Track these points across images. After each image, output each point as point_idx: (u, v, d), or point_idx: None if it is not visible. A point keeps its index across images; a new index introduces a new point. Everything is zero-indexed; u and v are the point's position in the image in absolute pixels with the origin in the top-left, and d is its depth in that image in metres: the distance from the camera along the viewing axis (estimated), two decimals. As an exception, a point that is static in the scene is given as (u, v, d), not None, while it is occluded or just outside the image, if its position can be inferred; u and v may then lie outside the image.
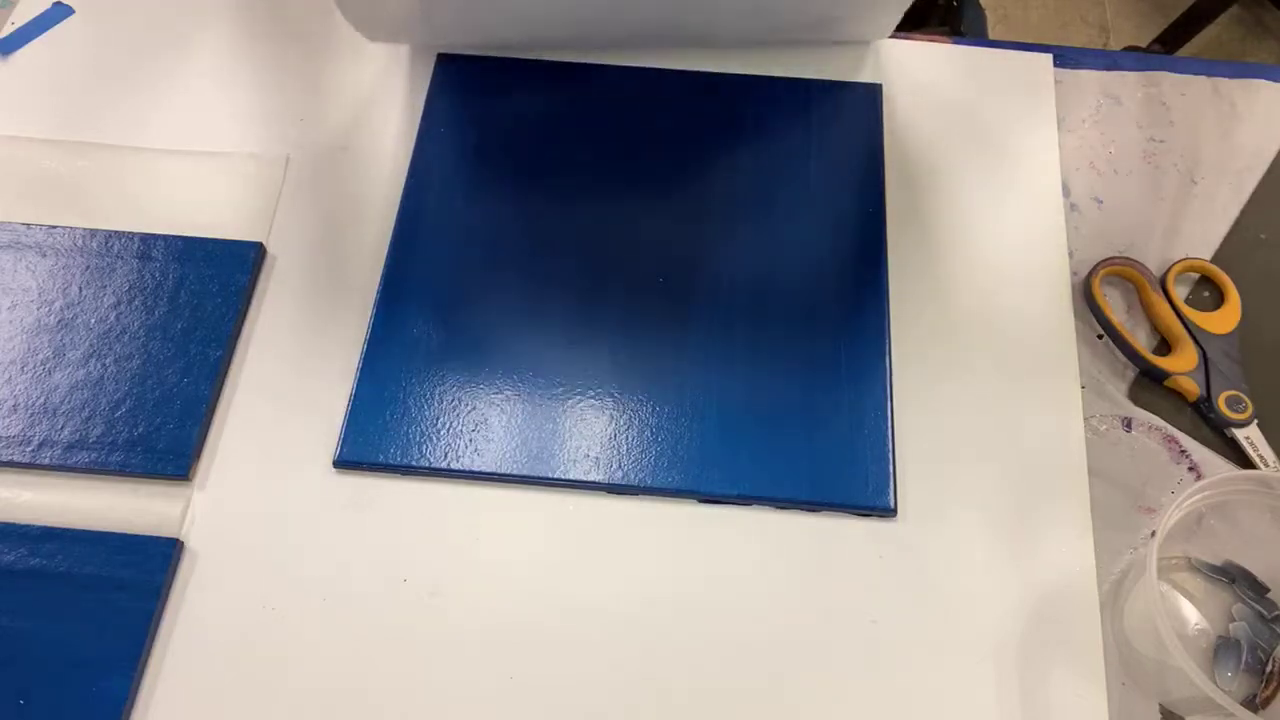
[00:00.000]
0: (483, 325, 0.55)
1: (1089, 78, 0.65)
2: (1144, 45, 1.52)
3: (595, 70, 0.64)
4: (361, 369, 0.54)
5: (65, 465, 0.51)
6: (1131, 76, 0.65)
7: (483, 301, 0.56)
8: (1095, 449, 0.53)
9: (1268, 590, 0.49)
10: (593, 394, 0.53)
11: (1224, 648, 0.48)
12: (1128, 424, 0.54)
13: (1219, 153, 0.62)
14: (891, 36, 0.66)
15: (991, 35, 0.84)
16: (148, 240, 0.57)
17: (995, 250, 0.58)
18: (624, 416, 0.53)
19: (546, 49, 0.64)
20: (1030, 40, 0.68)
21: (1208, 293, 0.58)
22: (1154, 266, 0.58)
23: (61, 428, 0.52)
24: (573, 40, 0.62)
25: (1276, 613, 0.48)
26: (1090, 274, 0.57)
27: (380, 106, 0.63)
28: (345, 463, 0.52)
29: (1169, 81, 0.65)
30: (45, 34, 0.66)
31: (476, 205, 0.59)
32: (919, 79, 0.64)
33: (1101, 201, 0.60)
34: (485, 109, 0.62)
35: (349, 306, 0.56)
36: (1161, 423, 0.54)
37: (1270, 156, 0.62)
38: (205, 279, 0.56)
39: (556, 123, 0.62)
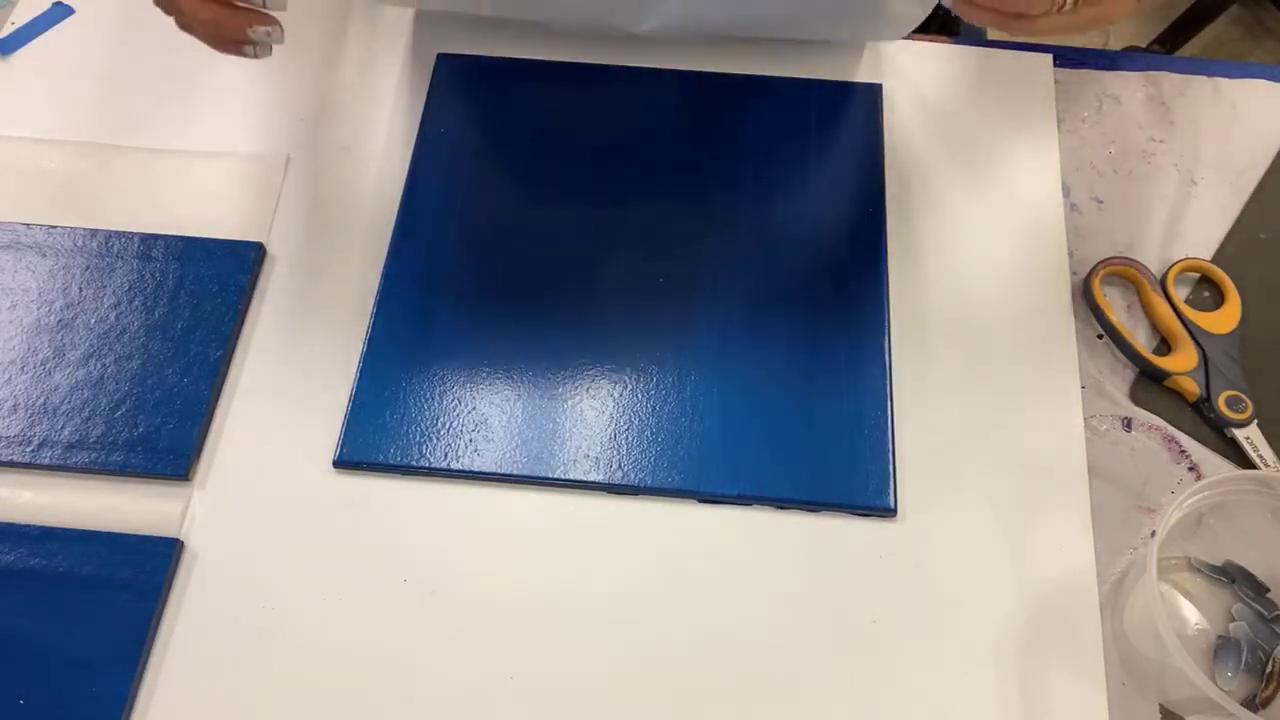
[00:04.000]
0: (483, 325, 0.55)
1: (1089, 78, 0.65)
2: (1144, 45, 1.52)
3: (595, 70, 0.64)
4: (361, 369, 0.54)
5: (65, 465, 0.51)
6: (1131, 76, 0.65)
7: (483, 301, 0.56)
8: (1095, 449, 0.53)
9: (1268, 590, 0.49)
10: (593, 394, 0.53)
11: (1224, 648, 0.48)
12: (1128, 424, 0.54)
13: (1219, 153, 0.62)
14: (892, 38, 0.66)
15: (991, 35, 0.84)
16: (148, 240, 0.57)
17: (995, 250, 0.58)
18: (624, 416, 0.53)
19: (553, 37, 0.62)
20: (1030, 40, 0.67)
21: (1208, 293, 0.58)
22: (1154, 266, 0.58)
23: (61, 428, 0.52)
24: (582, 26, 0.61)
25: (1276, 613, 0.48)
26: (1090, 274, 0.57)
27: (381, 106, 0.63)
28: (345, 463, 0.52)
29: (1169, 81, 0.65)
30: (45, 34, 0.66)
31: (477, 205, 0.59)
32: (919, 79, 0.64)
33: (1101, 201, 0.60)
34: (485, 109, 0.62)
35: (349, 306, 0.56)
36: (1161, 423, 0.54)
37: (1270, 156, 0.62)
38: (205, 279, 0.56)
39: (556, 122, 0.62)
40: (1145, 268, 0.57)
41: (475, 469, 0.51)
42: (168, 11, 0.45)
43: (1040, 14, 0.41)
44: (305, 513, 0.51)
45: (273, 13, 0.44)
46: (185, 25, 0.45)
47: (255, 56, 0.46)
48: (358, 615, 0.48)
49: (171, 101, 0.63)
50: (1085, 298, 0.57)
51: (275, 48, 0.47)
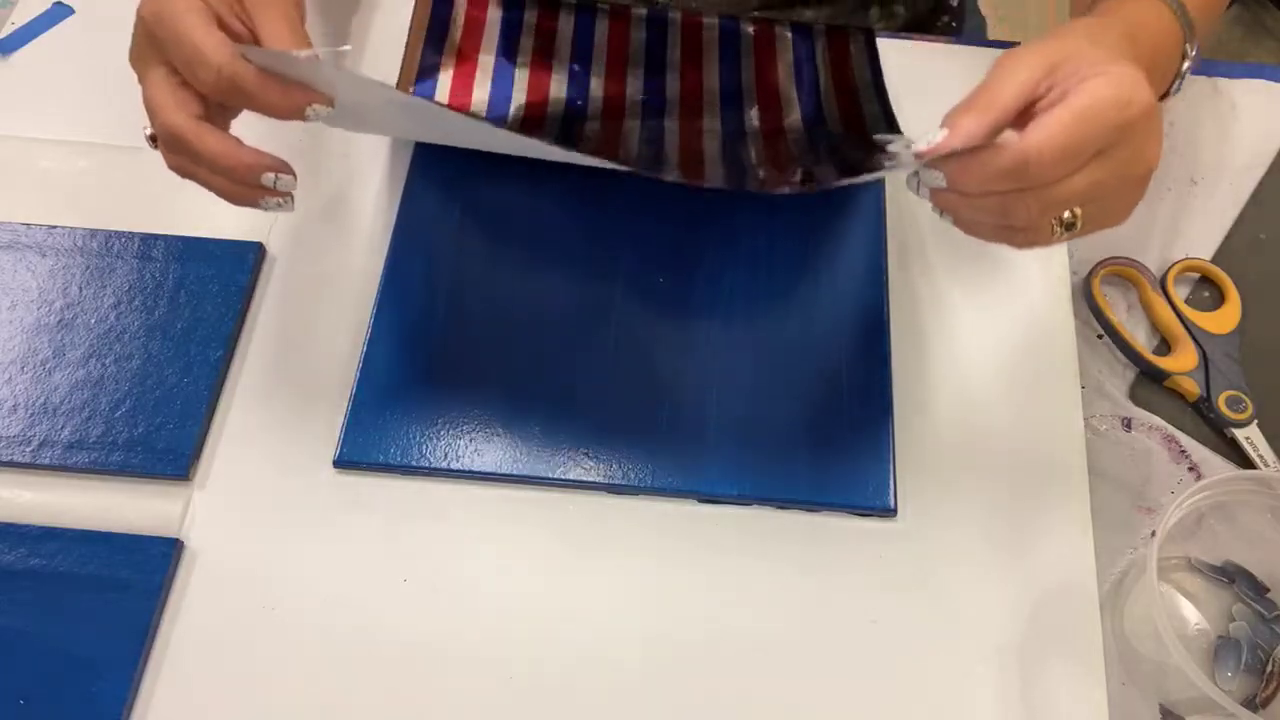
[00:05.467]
0: (483, 325, 0.55)
1: (1089, 78, 0.65)
2: (1144, 45, 1.52)
3: None
4: (361, 369, 0.54)
5: (65, 465, 0.51)
6: (1131, 76, 0.65)
7: (483, 301, 0.56)
8: (1095, 449, 0.53)
9: (1268, 590, 0.49)
10: (593, 394, 0.53)
11: (1224, 648, 0.48)
12: (1128, 424, 0.54)
13: (1219, 153, 0.62)
14: (892, 37, 0.66)
15: (991, 35, 0.84)
16: (148, 240, 0.57)
17: (995, 250, 0.58)
18: (624, 416, 0.53)
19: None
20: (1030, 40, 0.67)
21: (1208, 293, 0.58)
22: (1154, 266, 0.58)
23: (61, 428, 0.52)
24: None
25: (1276, 613, 0.48)
26: (1090, 274, 0.57)
27: (380, 106, 0.63)
28: (345, 462, 0.52)
29: (1169, 81, 0.65)
30: (45, 34, 0.66)
31: (479, 204, 0.59)
32: (919, 79, 0.64)
33: (1101, 201, 0.60)
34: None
35: (349, 306, 0.56)
36: (1161, 423, 0.54)
37: (1270, 156, 0.62)
38: (205, 279, 0.56)
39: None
40: (1145, 268, 0.57)
41: (475, 469, 0.51)
42: (182, 175, 0.45)
43: (1044, 240, 0.41)
44: (305, 513, 0.51)
45: (283, 189, 0.45)
46: (202, 185, 0.46)
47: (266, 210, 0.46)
48: (358, 615, 0.48)
49: (171, 101, 0.63)
50: (1085, 298, 0.57)
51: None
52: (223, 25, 0.43)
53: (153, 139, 0.45)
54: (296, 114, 0.43)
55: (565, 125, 0.59)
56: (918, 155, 0.39)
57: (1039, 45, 0.40)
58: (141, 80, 0.44)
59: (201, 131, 0.42)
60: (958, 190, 0.40)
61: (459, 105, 0.60)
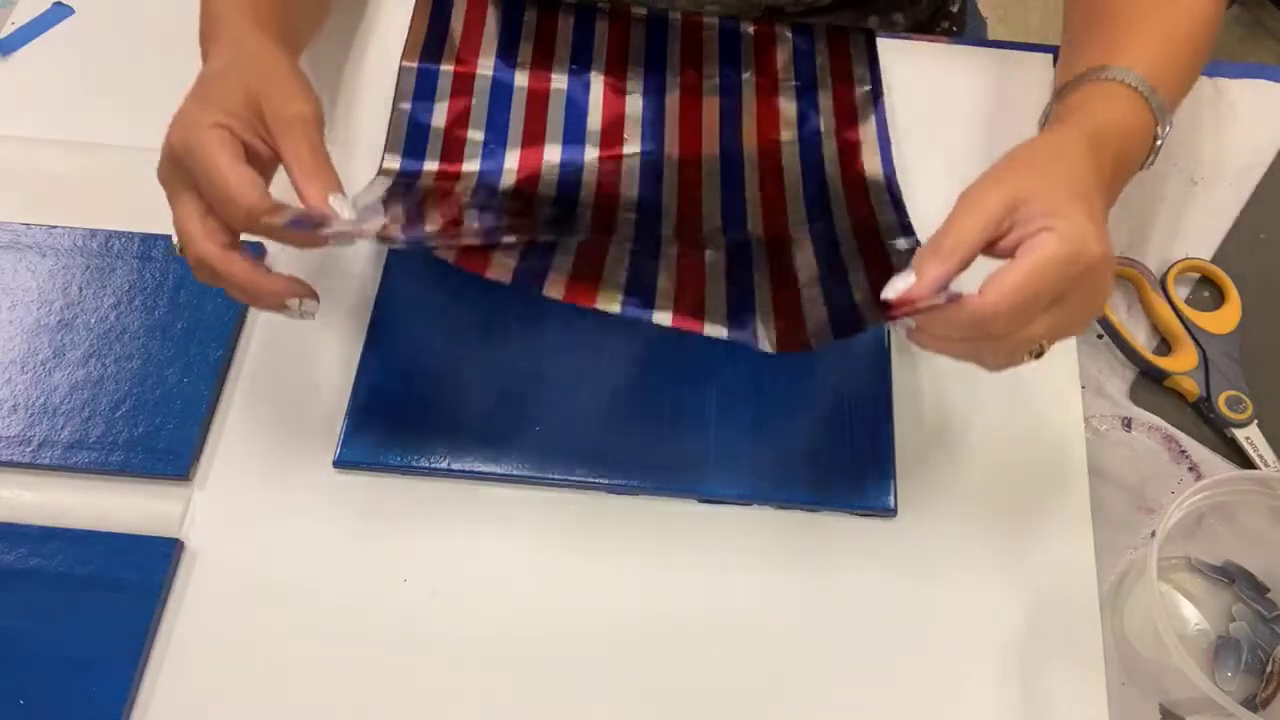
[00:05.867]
0: (483, 325, 0.55)
1: (1089, 78, 0.65)
2: (1144, 45, 1.52)
3: None
4: (361, 369, 0.54)
5: (65, 465, 0.51)
6: (1131, 76, 0.65)
7: (484, 300, 0.56)
8: (1095, 449, 0.53)
9: (1268, 590, 0.49)
10: (593, 394, 0.53)
11: (1224, 648, 0.48)
12: (1128, 424, 0.54)
13: (1219, 153, 0.62)
14: (892, 37, 0.66)
15: (991, 35, 0.84)
16: (148, 240, 0.57)
17: (995, 250, 0.58)
18: (624, 417, 0.53)
19: None
20: (1030, 40, 0.68)
21: (1208, 293, 0.58)
22: (1154, 266, 0.58)
23: (61, 428, 0.52)
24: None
25: (1276, 613, 0.48)
26: (1090, 274, 0.57)
27: (380, 104, 0.63)
28: (345, 463, 0.52)
29: (1169, 81, 0.65)
30: (45, 34, 0.66)
31: (476, 205, 0.59)
32: (918, 79, 0.64)
33: (1101, 201, 0.60)
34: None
35: (349, 306, 0.56)
36: (1161, 423, 0.54)
37: (1270, 156, 0.62)
38: (205, 279, 0.56)
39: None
40: (1145, 268, 0.57)
41: (475, 469, 0.51)
42: (200, 278, 0.46)
43: (1015, 365, 0.44)
44: (305, 513, 0.51)
45: (306, 311, 0.46)
46: (229, 295, 0.47)
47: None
48: (358, 615, 0.48)
49: (171, 101, 0.63)
50: (1085, 298, 0.57)
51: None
52: (248, 150, 0.44)
53: (179, 248, 0.46)
54: (321, 245, 0.45)
55: (559, 202, 0.58)
56: (888, 305, 0.42)
57: (1000, 181, 0.43)
58: (171, 202, 0.45)
59: (230, 260, 0.44)
60: (928, 334, 0.43)
61: (455, 142, 0.59)
